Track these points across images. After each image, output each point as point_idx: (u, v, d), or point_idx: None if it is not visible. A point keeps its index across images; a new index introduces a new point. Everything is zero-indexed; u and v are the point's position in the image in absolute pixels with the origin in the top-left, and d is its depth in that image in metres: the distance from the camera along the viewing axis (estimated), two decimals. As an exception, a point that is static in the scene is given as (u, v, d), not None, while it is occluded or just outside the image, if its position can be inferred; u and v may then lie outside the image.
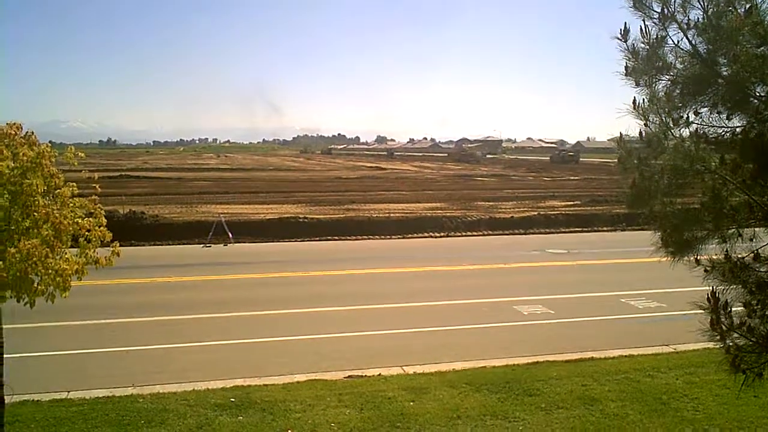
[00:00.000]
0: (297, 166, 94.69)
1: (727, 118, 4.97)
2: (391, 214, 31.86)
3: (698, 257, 5.33)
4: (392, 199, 41.26)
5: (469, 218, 31.11)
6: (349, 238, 27.90)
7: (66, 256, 6.60)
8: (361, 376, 10.83)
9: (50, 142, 7.06)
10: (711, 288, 5.18)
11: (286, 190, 48.47)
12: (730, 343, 5.15)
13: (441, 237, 28.85)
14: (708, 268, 5.25)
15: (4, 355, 6.98)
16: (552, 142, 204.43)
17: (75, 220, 6.73)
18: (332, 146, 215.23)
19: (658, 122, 5.20)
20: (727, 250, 5.17)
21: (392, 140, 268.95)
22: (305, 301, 16.37)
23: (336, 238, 27.83)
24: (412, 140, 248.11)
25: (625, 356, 11.81)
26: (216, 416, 8.92)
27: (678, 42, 5.09)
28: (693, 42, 5.00)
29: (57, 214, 6.46)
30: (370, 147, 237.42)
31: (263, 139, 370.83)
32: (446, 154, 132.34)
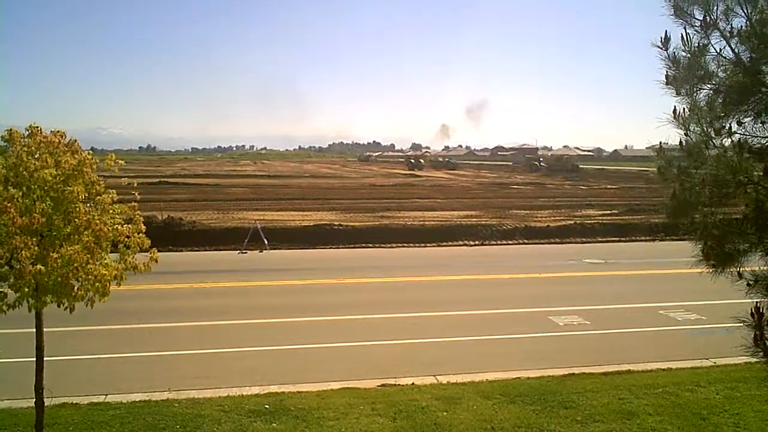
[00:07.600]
0: (332, 173, 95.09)
1: (771, 128, 4.86)
2: (426, 222, 31.81)
3: (741, 270, 5.20)
4: (427, 206, 41.17)
5: (504, 227, 30.84)
6: (383, 245, 27.90)
7: (105, 261, 6.72)
8: (394, 384, 10.79)
9: (92, 148, 7.20)
10: (754, 302, 5.05)
11: (321, 197, 48.67)
12: (774, 359, 5.02)
13: (476, 245, 28.66)
14: (751, 282, 5.12)
15: (44, 359, 7.12)
16: (589, 150, 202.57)
17: (115, 227, 6.85)
18: (368, 153, 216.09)
19: (699, 132, 5.12)
20: (771, 264, 5.04)
21: (427, 148, 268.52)
22: (339, 309, 16.40)
23: (371, 245, 27.87)
24: (447, 148, 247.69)
25: (663, 369, 11.59)
26: (250, 423, 8.97)
27: (720, 50, 5.00)
28: (736, 50, 4.91)
29: (97, 221, 6.59)
30: (405, 154, 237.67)
31: (299, 146, 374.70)
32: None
